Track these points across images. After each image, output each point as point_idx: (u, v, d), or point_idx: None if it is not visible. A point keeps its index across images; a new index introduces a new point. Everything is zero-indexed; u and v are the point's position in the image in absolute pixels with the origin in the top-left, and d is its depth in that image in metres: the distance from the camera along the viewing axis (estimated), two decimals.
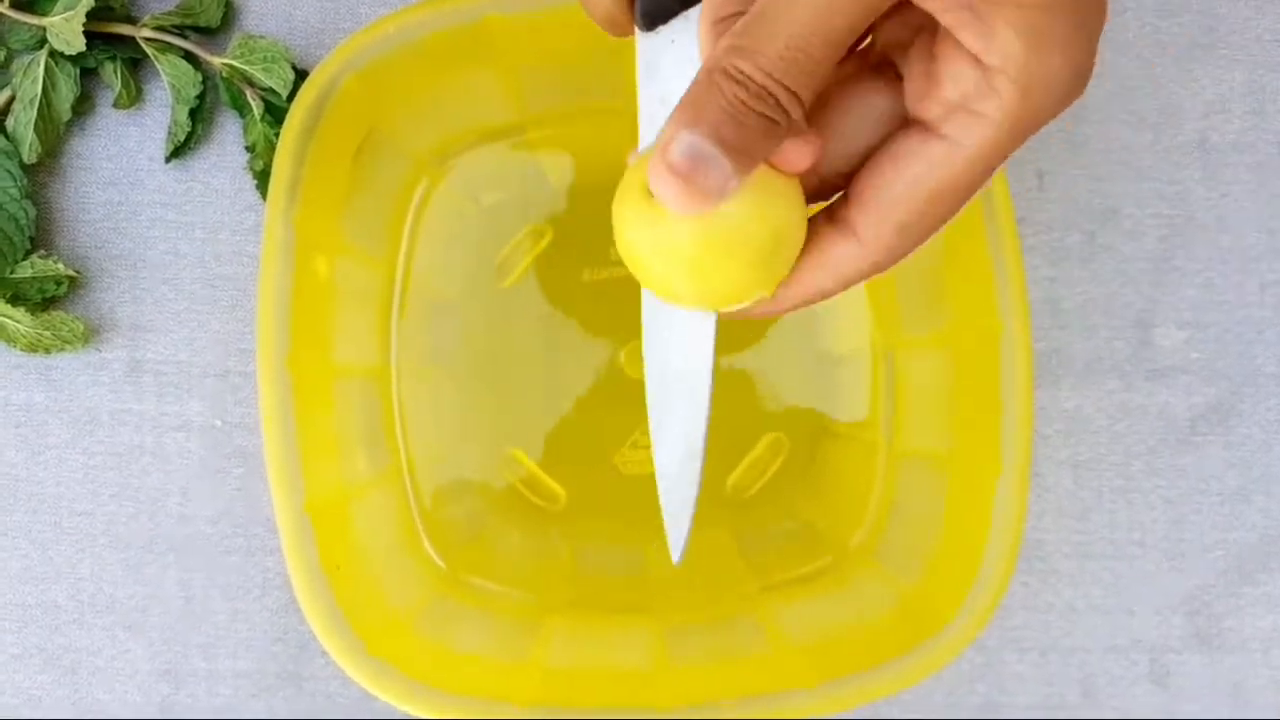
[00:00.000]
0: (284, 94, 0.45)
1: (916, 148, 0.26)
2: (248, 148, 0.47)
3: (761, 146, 0.25)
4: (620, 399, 0.46)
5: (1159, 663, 0.48)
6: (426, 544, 0.44)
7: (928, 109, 0.26)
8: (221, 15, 0.47)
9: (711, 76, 0.24)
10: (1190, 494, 0.48)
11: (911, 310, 0.45)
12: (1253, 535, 0.48)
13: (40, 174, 0.47)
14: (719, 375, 0.46)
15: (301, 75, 0.45)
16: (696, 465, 0.29)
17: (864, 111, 0.27)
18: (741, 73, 0.24)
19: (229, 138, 0.47)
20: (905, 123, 0.27)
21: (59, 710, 0.47)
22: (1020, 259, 0.40)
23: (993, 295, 0.40)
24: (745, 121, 0.24)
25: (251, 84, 0.46)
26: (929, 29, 0.26)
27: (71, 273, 0.46)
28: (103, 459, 0.47)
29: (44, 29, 0.45)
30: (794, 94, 0.24)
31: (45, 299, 0.46)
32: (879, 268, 0.27)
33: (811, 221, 0.27)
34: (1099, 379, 0.48)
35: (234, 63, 0.46)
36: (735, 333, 0.47)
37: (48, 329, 0.45)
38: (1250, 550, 0.48)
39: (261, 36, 0.46)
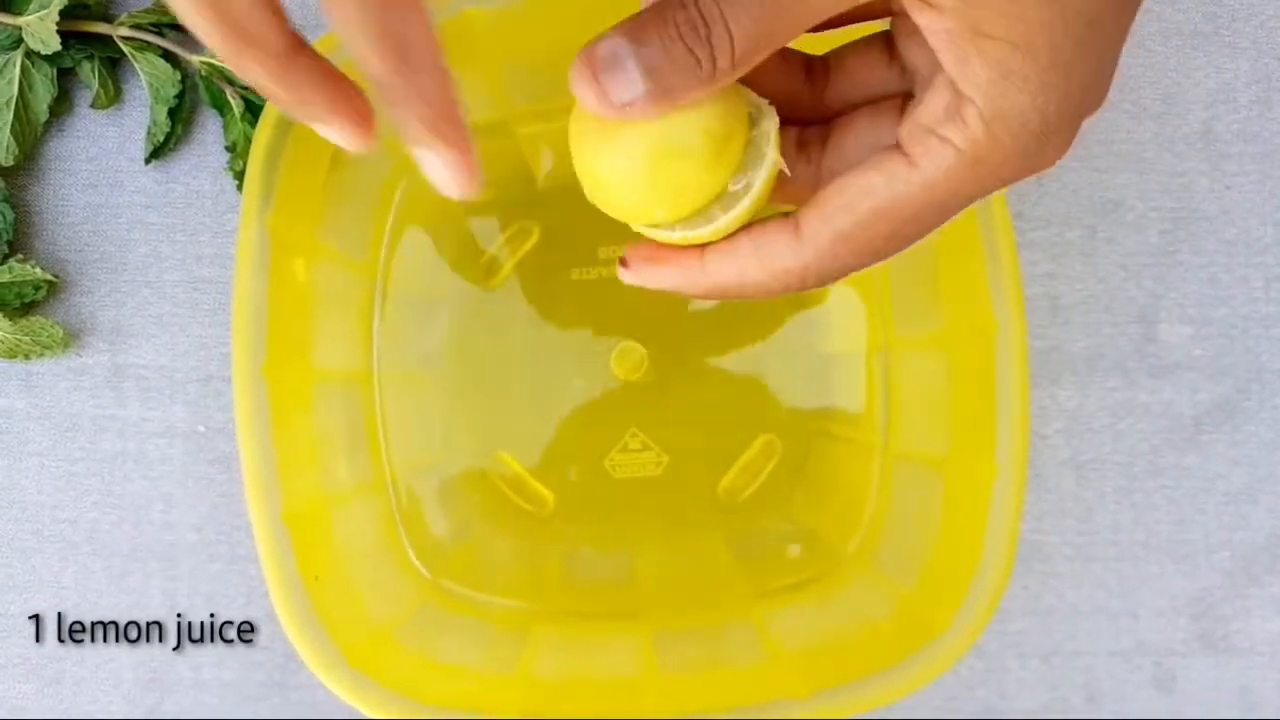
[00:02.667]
0: None
1: (881, 160, 0.25)
2: (228, 148, 0.46)
3: (679, 84, 0.24)
4: (610, 401, 0.45)
5: (1164, 666, 0.46)
6: (410, 551, 0.44)
7: (903, 127, 0.25)
8: None
9: None
10: (1195, 494, 0.47)
11: (906, 308, 0.44)
12: (1260, 535, 0.47)
13: (18, 176, 0.46)
14: (708, 374, 0.46)
15: None
16: None
17: (870, 135, 0.27)
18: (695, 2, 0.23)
19: (210, 138, 0.47)
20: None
21: None
22: (1015, 255, 0.39)
23: (987, 293, 0.39)
24: (671, 50, 0.23)
25: (231, 82, 0.45)
26: None
27: (50, 277, 0.45)
28: (85, 466, 0.46)
29: (19, 29, 0.44)
30: (730, 35, 0.23)
31: (24, 304, 0.45)
32: (809, 273, 0.26)
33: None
34: (1101, 377, 0.47)
35: (213, 61, 0.45)
36: (727, 332, 0.46)
37: (27, 334, 0.45)
38: (1257, 551, 0.47)
39: None
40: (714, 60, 0.23)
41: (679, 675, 0.41)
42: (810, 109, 0.29)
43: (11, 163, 0.45)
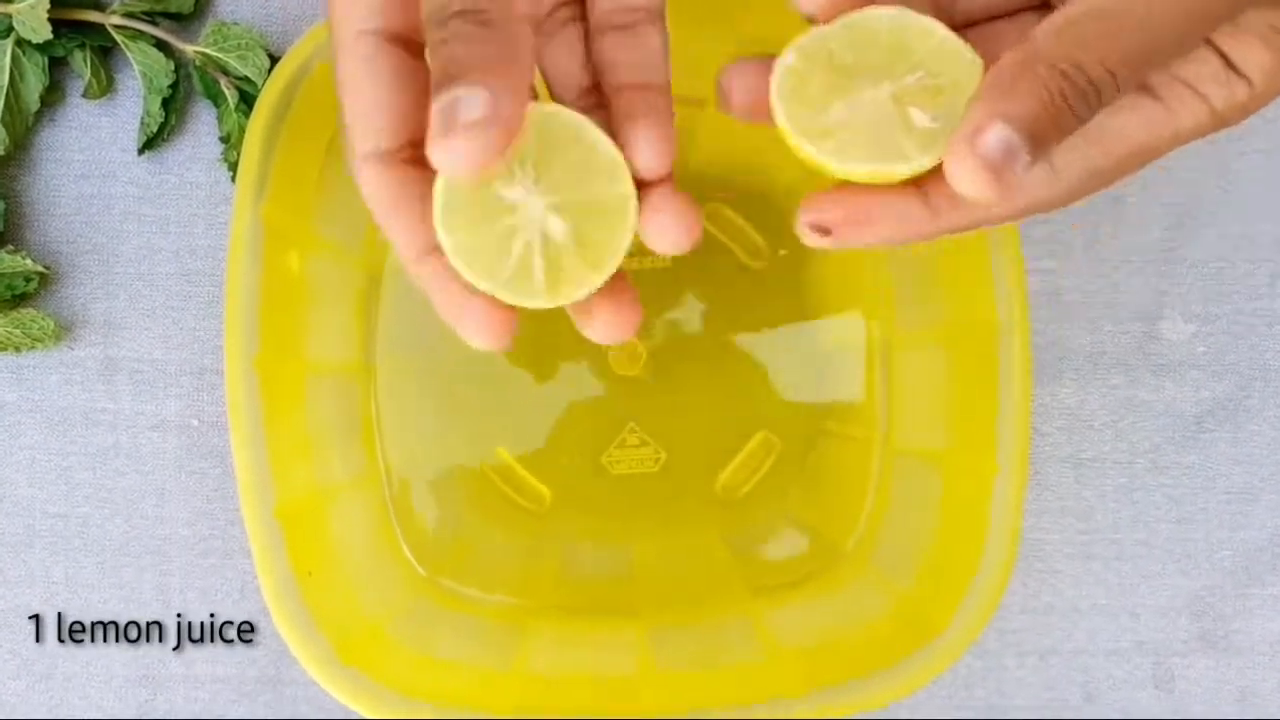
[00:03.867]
0: (259, 83, 0.44)
1: (1133, 101, 0.26)
2: (222, 138, 0.45)
3: (1064, 138, 0.24)
4: (608, 397, 0.45)
5: (1163, 666, 0.46)
6: (405, 548, 0.43)
7: (1157, 74, 0.26)
8: (194, 1, 0.45)
9: (1034, 68, 0.23)
10: (1196, 492, 0.46)
11: (907, 302, 0.44)
12: (1261, 535, 0.46)
13: (9, 167, 0.46)
14: (707, 369, 0.45)
15: (278, 63, 0.44)
16: None
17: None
18: (1079, 68, 0.23)
19: (203, 128, 0.46)
20: None
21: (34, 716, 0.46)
22: (1019, 250, 0.39)
23: (990, 286, 0.39)
24: (1063, 121, 0.24)
25: (225, 73, 0.45)
26: None
27: (42, 269, 0.45)
28: (77, 460, 0.46)
29: (9, 16, 0.44)
30: (1118, 87, 0.24)
31: (15, 296, 0.45)
32: (1058, 202, 0.27)
33: None
34: (1102, 374, 0.46)
35: (207, 51, 0.45)
36: (725, 327, 0.45)
37: (18, 327, 0.44)
38: (1259, 550, 0.46)
39: (235, 23, 0.44)
40: (1098, 110, 0.24)
41: (675, 672, 0.41)
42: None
43: (2, 153, 0.44)
